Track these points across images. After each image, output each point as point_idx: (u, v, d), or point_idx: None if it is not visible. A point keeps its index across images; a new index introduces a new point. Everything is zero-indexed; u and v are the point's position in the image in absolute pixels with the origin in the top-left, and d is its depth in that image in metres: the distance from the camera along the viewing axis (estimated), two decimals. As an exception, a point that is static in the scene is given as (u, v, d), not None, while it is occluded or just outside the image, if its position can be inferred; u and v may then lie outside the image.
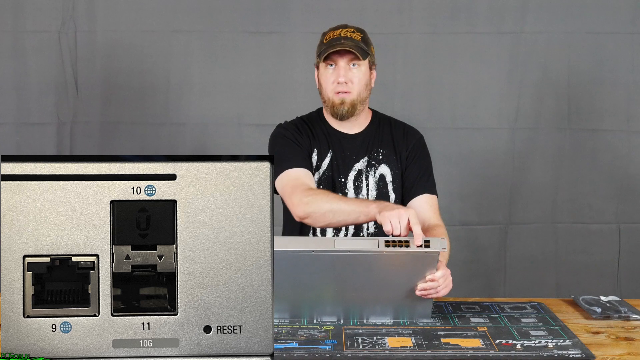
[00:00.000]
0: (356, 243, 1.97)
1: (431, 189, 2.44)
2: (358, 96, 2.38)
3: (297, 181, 2.31)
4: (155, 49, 3.42)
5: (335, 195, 2.30)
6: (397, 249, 1.92)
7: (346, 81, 2.35)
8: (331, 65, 2.37)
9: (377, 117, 2.51)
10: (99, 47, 3.41)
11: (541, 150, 3.48)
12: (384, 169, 2.43)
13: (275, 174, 2.34)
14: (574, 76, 3.45)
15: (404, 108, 3.37)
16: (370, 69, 2.42)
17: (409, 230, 2.03)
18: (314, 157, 2.42)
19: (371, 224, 2.40)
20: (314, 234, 2.40)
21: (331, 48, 2.35)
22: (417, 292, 1.99)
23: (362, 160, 2.43)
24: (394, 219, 2.04)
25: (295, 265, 1.94)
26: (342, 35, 2.36)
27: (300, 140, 2.41)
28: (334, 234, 2.40)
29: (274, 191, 2.36)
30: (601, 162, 3.48)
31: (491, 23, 3.43)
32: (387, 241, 1.93)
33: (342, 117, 2.40)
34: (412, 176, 2.44)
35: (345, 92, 2.36)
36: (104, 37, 3.41)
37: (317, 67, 2.43)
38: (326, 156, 2.42)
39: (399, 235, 2.01)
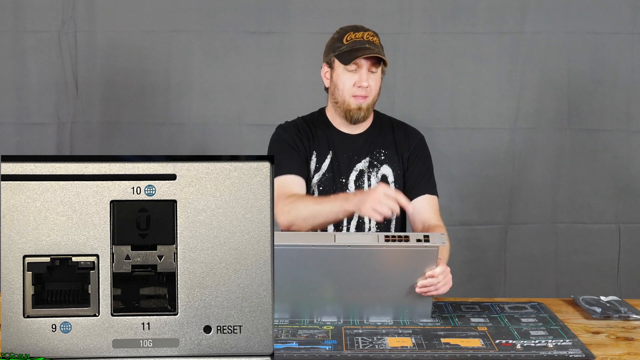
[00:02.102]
0: (356, 238, 1.98)
1: (432, 190, 2.44)
2: (372, 101, 2.38)
3: (282, 189, 2.31)
4: (155, 49, 3.42)
5: (311, 198, 2.31)
6: (397, 243, 1.92)
7: (367, 86, 2.35)
8: (353, 67, 2.34)
9: (378, 117, 2.51)
10: (99, 47, 3.41)
11: (541, 150, 3.48)
12: (386, 170, 2.43)
13: None
14: (574, 76, 3.45)
15: (404, 108, 3.36)
16: (382, 73, 2.41)
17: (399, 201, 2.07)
18: (313, 159, 2.41)
19: (373, 223, 2.40)
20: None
21: (359, 52, 2.31)
22: (417, 290, 1.99)
23: (363, 160, 2.43)
24: (377, 206, 2.07)
25: (295, 260, 1.94)
26: (366, 39, 2.34)
27: (299, 144, 2.40)
28: (335, 230, 2.40)
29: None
30: (601, 162, 3.48)
31: (491, 23, 3.43)
32: (386, 236, 1.93)
33: (356, 122, 2.40)
34: (413, 176, 2.44)
35: (364, 97, 2.36)
36: (104, 37, 3.41)
37: (330, 66, 2.40)
38: (326, 157, 2.42)
39: (396, 213, 2.08)
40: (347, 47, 2.34)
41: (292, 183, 2.35)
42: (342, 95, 2.37)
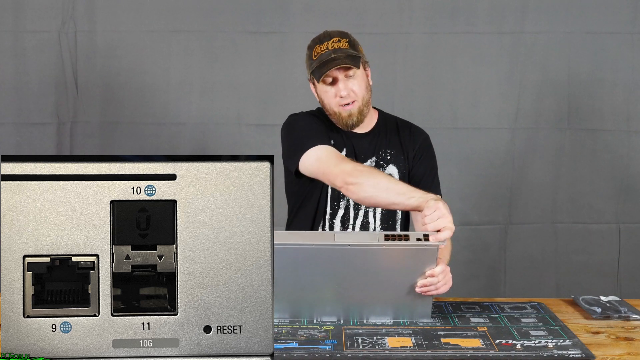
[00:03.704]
0: (356, 237, 1.98)
1: (436, 190, 2.44)
2: (362, 101, 2.37)
3: (339, 153, 2.27)
4: (155, 49, 3.42)
5: (386, 174, 2.25)
6: (396, 242, 1.92)
7: (348, 93, 2.34)
8: (329, 81, 2.35)
9: (383, 117, 2.51)
10: (99, 47, 3.41)
11: (541, 150, 3.48)
12: (392, 169, 2.43)
13: (301, 151, 2.30)
14: (574, 76, 3.45)
15: (404, 108, 3.36)
16: (365, 69, 2.41)
17: (437, 231, 1.96)
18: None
19: (378, 222, 2.40)
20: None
21: (325, 68, 2.32)
22: (417, 289, 1.99)
23: (369, 160, 2.43)
24: (438, 212, 1.97)
25: (295, 260, 1.94)
26: (330, 48, 2.34)
27: (322, 127, 2.39)
28: (342, 229, 2.39)
29: (297, 173, 2.31)
30: (601, 162, 3.48)
31: (491, 23, 3.43)
32: (386, 235, 1.93)
33: (352, 127, 2.40)
34: (418, 176, 2.44)
35: (350, 103, 2.35)
36: (104, 37, 3.41)
37: (313, 83, 2.42)
38: (342, 152, 2.40)
39: (425, 226, 1.97)
40: (316, 63, 2.35)
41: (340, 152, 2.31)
42: (331, 108, 2.38)
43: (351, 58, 2.33)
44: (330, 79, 2.34)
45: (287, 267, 1.92)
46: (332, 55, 2.32)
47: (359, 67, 2.35)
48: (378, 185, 2.12)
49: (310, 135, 2.33)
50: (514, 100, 3.46)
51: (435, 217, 1.98)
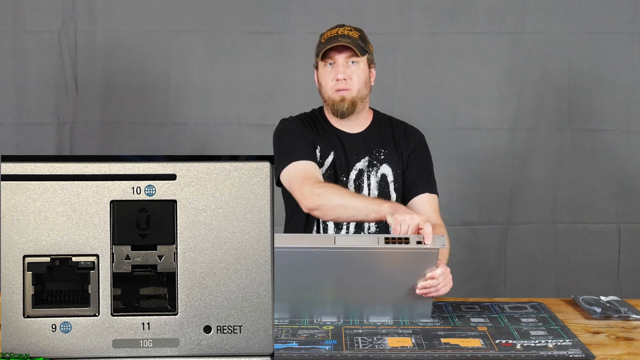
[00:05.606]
0: (356, 240, 1.97)
1: (432, 189, 2.45)
2: (358, 93, 2.39)
3: (307, 173, 2.31)
4: (155, 49, 3.42)
5: (346, 190, 2.31)
6: (397, 245, 1.92)
7: (345, 78, 2.36)
8: (330, 63, 2.38)
9: (378, 117, 2.51)
10: (99, 47, 3.41)
11: (541, 150, 3.48)
12: (386, 169, 2.43)
13: (281, 166, 2.35)
14: (574, 76, 3.45)
15: (404, 108, 3.37)
16: (369, 67, 2.42)
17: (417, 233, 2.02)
18: (317, 153, 2.42)
19: (372, 223, 2.40)
20: (318, 232, 2.40)
21: (329, 45, 2.36)
22: (418, 291, 1.99)
23: (362, 160, 2.43)
24: (404, 224, 2.04)
25: (295, 262, 1.94)
26: (340, 33, 2.38)
27: (306, 134, 2.42)
28: (335, 232, 2.40)
29: (279, 184, 2.38)
30: (601, 162, 3.49)
31: (491, 23, 3.43)
32: (386, 238, 1.93)
33: (342, 115, 2.41)
34: (413, 175, 2.44)
35: (345, 90, 2.37)
36: (104, 37, 3.41)
37: (316, 68, 2.45)
38: (329, 154, 2.42)
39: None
40: (323, 45, 2.39)
41: (315, 169, 2.35)
42: (326, 91, 2.41)
43: (356, 45, 2.36)
44: (331, 61, 2.37)
45: (287, 270, 1.92)
46: (340, 38, 2.36)
47: (362, 56, 2.38)
48: (336, 210, 2.20)
49: (290, 150, 2.36)
50: (514, 100, 3.46)
51: (405, 228, 2.03)
